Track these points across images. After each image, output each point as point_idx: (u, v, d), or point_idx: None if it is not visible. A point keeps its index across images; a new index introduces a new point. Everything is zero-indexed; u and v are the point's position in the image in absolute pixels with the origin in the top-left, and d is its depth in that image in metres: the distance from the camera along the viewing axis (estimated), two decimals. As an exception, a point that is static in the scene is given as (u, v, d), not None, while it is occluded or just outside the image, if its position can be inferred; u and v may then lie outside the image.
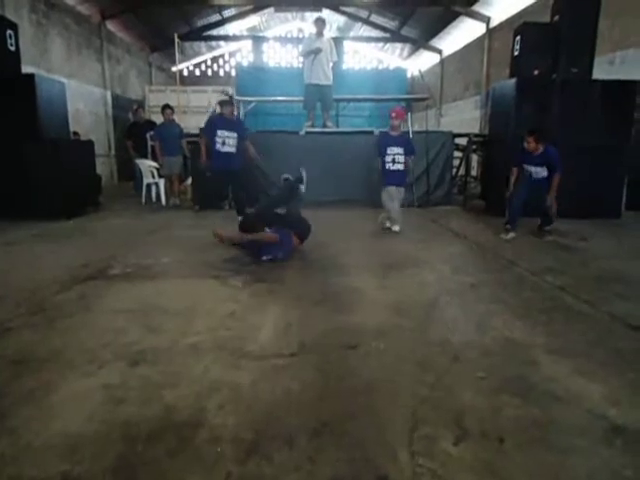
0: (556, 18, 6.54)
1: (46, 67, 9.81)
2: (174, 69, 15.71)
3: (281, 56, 22.12)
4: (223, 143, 5.89)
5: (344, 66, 16.73)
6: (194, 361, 2.21)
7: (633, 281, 3.60)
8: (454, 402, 1.87)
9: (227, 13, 17.36)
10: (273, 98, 9.97)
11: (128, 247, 4.70)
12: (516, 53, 6.72)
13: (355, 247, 4.83)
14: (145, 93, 13.60)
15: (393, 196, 5.59)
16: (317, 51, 7.52)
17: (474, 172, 10.03)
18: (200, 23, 17.11)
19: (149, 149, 8.70)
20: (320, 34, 7.67)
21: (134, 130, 9.20)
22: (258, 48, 19.43)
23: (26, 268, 3.93)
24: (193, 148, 7.84)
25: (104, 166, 12.11)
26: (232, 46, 21.22)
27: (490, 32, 13.31)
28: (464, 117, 14.81)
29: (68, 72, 10.78)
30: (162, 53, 16.99)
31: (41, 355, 2.27)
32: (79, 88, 11.30)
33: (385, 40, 19.41)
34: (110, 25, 13.14)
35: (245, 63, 20.27)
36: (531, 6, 10.93)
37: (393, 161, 5.62)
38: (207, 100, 12.69)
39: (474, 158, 9.52)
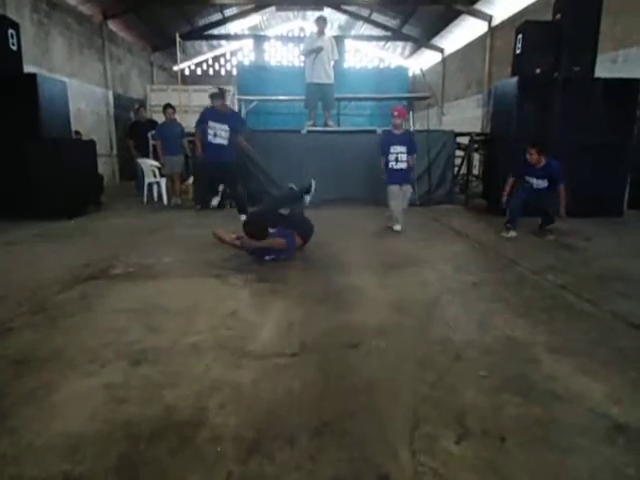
0: (558, 16, 6.52)
1: (48, 67, 9.82)
2: (175, 68, 15.70)
3: (282, 55, 22.11)
4: (215, 135, 5.84)
5: (345, 65, 16.68)
6: (195, 360, 2.21)
7: (635, 280, 3.59)
8: (455, 401, 1.87)
9: (228, 12, 17.35)
10: (274, 97, 9.97)
11: (130, 246, 4.70)
12: (518, 52, 6.69)
13: (357, 246, 4.82)
14: (147, 92, 13.59)
15: (396, 195, 5.58)
16: (318, 50, 7.52)
17: (476, 171, 10.01)
18: (201, 22, 17.10)
19: (151, 148, 8.71)
20: (321, 33, 7.66)
21: (136, 129, 9.21)
22: (259, 47, 19.42)
23: (27, 268, 3.94)
24: (192, 147, 7.85)
25: (106, 166, 12.13)
26: (233, 45, 21.22)
27: (492, 31, 13.29)
28: (466, 116, 14.79)
29: (70, 72, 10.79)
30: (163, 52, 17.00)
31: (42, 355, 2.27)
32: (81, 88, 11.31)
33: (386, 39, 19.39)
34: (112, 25, 13.15)
35: (246, 62, 20.25)
36: (533, 4, 10.91)
37: (396, 160, 5.62)
38: (208, 99, 12.67)
39: (476, 157, 9.50)
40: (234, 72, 18.61)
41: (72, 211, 6.46)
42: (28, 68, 6.99)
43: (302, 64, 8.92)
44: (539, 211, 5.39)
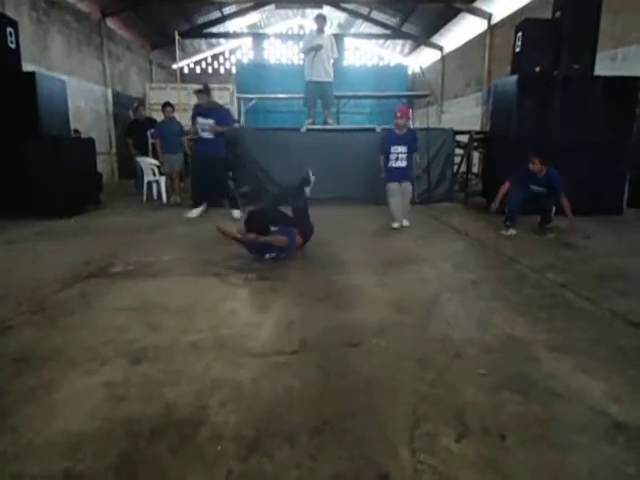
0: (558, 14, 6.51)
1: (46, 65, 9.80)
2: (175, 66, 15.68)
3: (282, 53, 22.06)
4: (202, 130, 6.06)
5: (345, 63, 16.68)
6: (195, 359, 2.21)
7: (634, 278, 3.59)
8: (455, 399, 1.87)
9: (227, 10, 17.30)
10: (274, 95, 9.97)
11: (129, 245, 4.70)
12: (517, 50, 6.69)
13: (356, 244, 4.82)
14: (146, 91, 13.56)
15: (395, 192, 5.58)
16: (318, 48, 7.50)
17: (475, 169, 10.01)
18: (200, 20, 17.07)
19: (150, 147, 8.70)
20: (321, 31, 7.65)
21: (135, 128, 9.19)
22: (259, 45, 19.38)
23: (28, 266, 3.94)
24: (191, 145, 7.87)
25: (105, 164, 12.11)
26: (232, 43, 21.16)
27: (491, 29, 13.27)
28: (465, 114, 14.78)
29: (68, 70, 10.77)
30: (162, 50, 16.96)
31: (42, 353, 2.27)
32: (80, 86, 11.29)
33: (386, 37, 19.36)
34: (110, 22, 13.11)
35: (246, 60, 20.21)
36: (532, 2, 10.90)
37: (396, 158, 5.62)
38: (208, 97, 12.65)
39: (475, 155, 9.49)
40: (233, 70, 18.58)
41: (72, 210, 6.45)
42: (27, 66, 6.96)
43: (301, 62, 8.91)
44: (538, 209, 5.39)
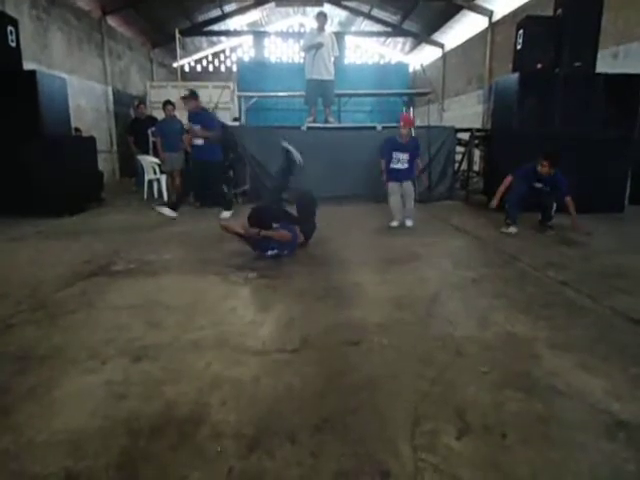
0: (559, 11, 6.49)
1: (47, 63, 9.80)
2: (175, 65, 15.65)
3: (282, 51, 22.04)
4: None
5: (346, 61, 16.65)
6: (196, 357, 2.21)
7: (635, 276, 3.59)
8: (456, 397, 1.87)
9: (228, 8, 17.29)
10: (274, 93, 9.95)
11: (130, 243, 4.70)
12: (519, 47, 6.67)
13: (357, 242, 4.82)
14: (146, 89, 13.53)
15: (395, 191, 5.57)
16: (319, 46, 7.49)
17: (476, 167, 9.99)
18: (201, 18, 17.05)
19: (150, 145, 8.69)
20: (321, 29, 7.63)
21: (135, 126, 9.19)
22: (259, 43, 19.35)
23: (29, 264, 3.94)
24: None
25: (106, 162, 12.11)
26: (233, 41, 21.13)
27: (493, 26, 13.24)
28: (466, 112, 14.76)
29: (69, 68, 10.76)
30: (163, 49, 16.95)
31: (43, 351, 2.27)
32: (80, 84, 11.29)
33: (387, 34, 19.33)
34: (111, 20, 13.10)
35: (246, 58, 20.21)
36: (534, -1, 10.87)
37: (398, 161, 5.62)
38: (208, 96, 12.65)
39: (476, 153, 9.48)
40: (234, 68, 18.54)
41: (73, 208, 6.46)
42: (27, 64, 6.97)
43: (302, 60, 8.90)
44: (539, 206, 5.38)
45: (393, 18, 17.58)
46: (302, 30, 21.20)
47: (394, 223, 5.54)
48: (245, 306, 2.98)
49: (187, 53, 19.34)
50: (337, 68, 8.11)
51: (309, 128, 7.86)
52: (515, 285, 3.35)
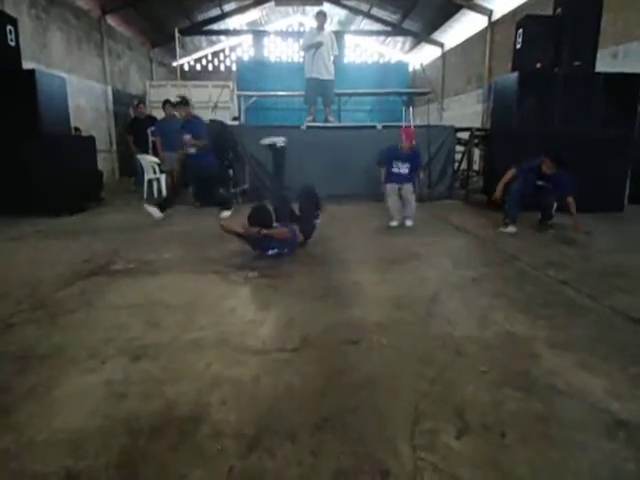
0: (559, 11, 6.49)
1: (46, 62, 9.79)
2: (175, 64, 15.66)
3: (282, 50, 22.03)
4: (186, 145, 5.93)
5: (345, 60, 16.65)
6: (196, 356, 2.21)
7: (635, 275, 3.59)
8: (456, 396, 1.87)
9: (227, 7, 17.28)
10: (274, 93, 9.95)
11: (130, 243, 4.70)
12: (518, 46, 6.67)
13: (357, 242, 4.82)
14: (146, 88, 13.54)
15: (394, 192, 5.55)
16: (318, 45, 7.49)
17: (476, 166, 9.99)
18: (200, 17, 17.04)
19: (150, 144, 8.69)
20: (321, 28, 7.63)
21: (135, 126, 9.19)
22: (259, 42, 19.36)
23: (29, 264, 3.94)
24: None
25: (105, 162, 12.11)
26: (233, 41, 21.12)
27: (492, 25, 13.23)
28: (466, 111, 14.75)
29: (68, 67, 10.75)
30: (163, 48, 16.93)
31: (43, 351, 2.27)
32: (80, 83, 11.28)
33: (386, 34, 19.32)
34: (110, 20, 13.09)
35: (246, 58, 20.19)
36: (533, -1, 10.86)
37: (398, 168, 5.60)
38: (208, 95, 12.66)
39: (476, 152, 9.48)
40: (233, 68, 18.53)
41: (73, 207, 6.45)
42: (27, 64, 6.96)
43: (302, 59, 8.90)
44: (538, 206, 5.37)
45: (393, 17, 17.57)
46: (302, 29, 21.19)
47: (393, 223, 5.54)
48: (245, 305, 2.98)
49: (187, 52, 19.33)
50: (337, 67, 8.11)
51: (309, 127, 7.86)
52: (515, 284, 3.35)
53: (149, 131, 8.64)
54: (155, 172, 8.14)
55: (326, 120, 8.15)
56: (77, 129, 8.85)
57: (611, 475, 1.47)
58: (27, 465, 1.48)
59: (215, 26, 17.87)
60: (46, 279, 3.43)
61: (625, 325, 2.64)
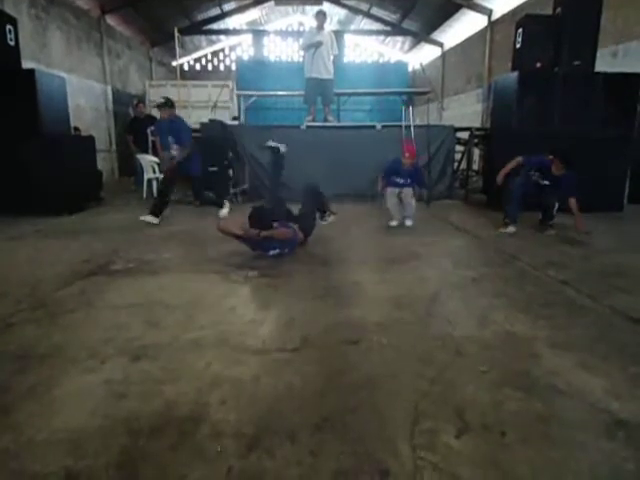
0: (558, 10, 6.49)
1: (46, 62, 9.78)
2: (174, 63, 15.65)
3: (282, 50, 22.01)
4: (169, 148, 5.85)
5: (345, 60, 16.65)
6: (196, 356, 2.21)
7: (635, 275, 3.59)
8: (456, 396, 1.87)
9: (227, 7, 17.27)
10: (273, 92, 9.94)
11: (129, 242, 4.70)
12: (518, 46, 6.67)
13: (356, 242, 4.83)
14: (145, 88, 13.55)
15: (393, 195, 5.54)
16: (318, 44, 7.49)
17: (476, 166, 10.00)
18: (200, 17, 17.03)
19: (150, 144, 8.68)
20: (321, 27, 7.63)
21: (135, 125, 9.18)
22: (258, 42, 19.36)
23: (28, 263, 3.94)
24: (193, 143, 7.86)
25: (105, 161, 12.10)
26: (232, 40, 21.10)
27: (492, 25, 13.23)
28: (466, 111, 14.75)
29: (68, 67, 10.75)
30: (162, 47, 16.92)
31: (43, 350, 2.27)
32: (79, 83, 11.27)
33: (386, 33, 19.31)
34: (110, 19, 13.08)
35: (245, 57, 20.18)
36: (533, -2, 10.85)
37: (397, 180, 5.59)
38: (208, 95, 12.65)
39: (476, 152, 9.48)
40: (233, 67, 18.52)
41: (72, 207, 6.45)
42: (26, 63, 6.96)
43: (301, 59, 8.89)
44: (539, 206, 5.36)
45: (392, 17, 17.56)
46: (301, 29, 21.18)
47: (393, 223, 5.54)
48: (245, 305, 2.98)
49: (186, 52, 19.33)
50: (336, 67, 8.11)
51: (308, 127, 7.86)
52: (515, 284, 3.35)
53: (149, 131, 8.62)
54: (155, 172, 8.12)
55: (325, 120, 8.15)
56: (77, 129, 8.84)
57: (611, 475, 1.47)
58: (27, 465, 1.48)
59: (215, 25, 17.86)
60: (46, 279, 3.43)
61: (625, 325, 2.64)
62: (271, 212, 4.20)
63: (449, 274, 3.63)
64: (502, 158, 6.41)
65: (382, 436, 1.62)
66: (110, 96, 13.11)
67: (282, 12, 20.96)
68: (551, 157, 5.02)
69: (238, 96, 10.54)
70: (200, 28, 17.45)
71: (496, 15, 12.99)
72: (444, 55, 17.11)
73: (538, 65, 6.52)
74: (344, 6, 17.99)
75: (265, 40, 20.61)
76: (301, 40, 8.55)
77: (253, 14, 19.55)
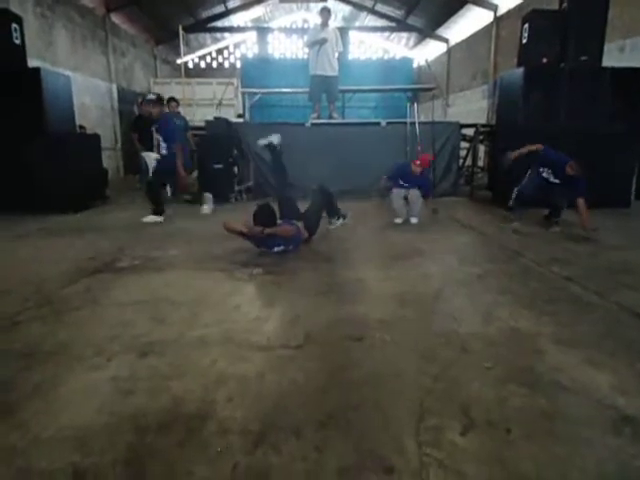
0: (565, 5, 6.44)
1: (51, 60, 9.83)
2: (179, 61, 15.67)
3: (286, 47, 21.99)
4: (158, 145, 5.76)
5: (350, 56, 16.61)
6: (202, 353, 2.21)
7: (642, 271, 3.56)
8: (460, 392, 1.87)
9: (231, 4, 17.28)
10: (278, 90, 9.93)
11: (135, 240, 4.72)
12: (524, 41, 6.62)
13: (361, 238, 4.82)
14: (150, 86, 13.59)
15: (399, 197, 5.52)
16: (322, 41, 7.47)
17: (481, 163, 9.95)
18: (204, 15, 17.04)
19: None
20: (325, 24, 7.61)
21: (139, 123, 9.18)
22: (263, 39, 19.35)
23: (34, 261, 3.96)
24: (197, 140, 7.88)
25: (110, 160, 12.15)
26: (237, 37, 21.12)
27: (498, 20, 13.15)
28: (471, 107, 14.69)
29: (73, 65, 10.79)
30: (167, 45, 16.95)
31: (49, 348, 2.28)
32: (85, 81, 11.32)
33: (391, 29, 19.25)
34: (115, 17, 13.12)
35: (250, 54, 20.18)
36: (539, -7, 10.77)
37: (403, 185, 5.56)
38: (212, 92, 12.67)
39: (481, 149, 9.44)
40: (238, 65, 18.53)
41: (77, 205, 6.48)
42: (32, 62, 6.99)
43: (306, 56, 8.88)
44: (546, 203, 5.33)
45: (397, 13, 17.50)
46: (306, 26, 21.15)
47: (398, 220, 5.53)
48: (250, 302, 2.99)
49: (191, 50, 19.34)
50: (341, 64, 8.09)
51: (313, 124, 7.85)
52: (520, 281, 3.34)
53: (153, 129, 8.64)
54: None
55: (330, 117, 8.13)
56: (82, 127, 8.89)
57: (617, 471, 1.46)
58: (33, 462, 1.49)
59: (219, 23, 17.88)
60: (51, 276, 3.45)
61: (632, 321, 2.62)
62: (275, 211, 4.20)
63: (454, 271, 3.62)
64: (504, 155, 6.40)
65: (387, 433, 1.62)
66: (115, 94, 13.15)
67: (286, 9, 20.94)
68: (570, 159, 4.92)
69: (243, 94, 10.54)
70: (204, 26, 17.46)
71: (502, 10, 12.91)
72: (449, 51, 17.02)
73: (544, 60, 6.47)
74: (348, 3, 17.95)
75: (269, 37, 20.60)
76: (305, 37, 8.54)
77: (257, 11, 19.54)
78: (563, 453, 1.52)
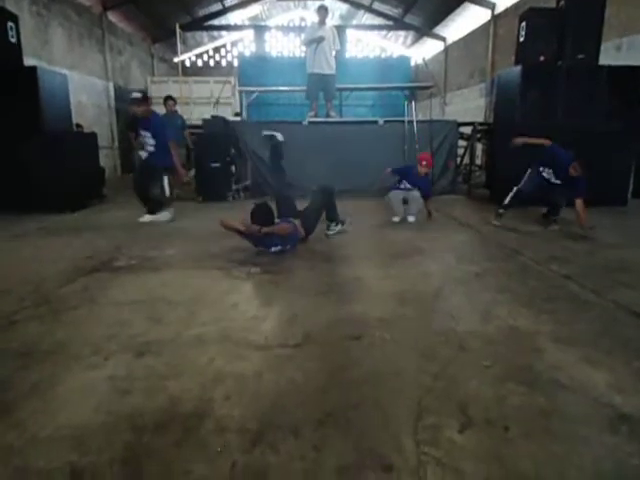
0: (562, 3, 6.44)
1: (48, 59, 9.79)
2: (176, 60, 15.64)
3: (283, 45, 21.95)
4: (145, 143, 5.70)
5: (347, 55, 16.58)
6: (199, 352, 2.21)
7: (639, 270, 3.57)
8: (459, 391, 1.87)
9: (228, 2, 17.25)
10: (275, 88, 9.92)
11: (132, 239, 4.71)
12: (521, 39, 6.63)
13: (359, 237, 4.82)
14: (147, 84, 13.54)
15: (397, 197, 5.52)
16: (320, 40, 7.46)
17: (479, 161, 9.96)
18: (201, 13, 17.01)
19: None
20: (322, 22, 7.59)
21: (137, 122, 9.17)
22: (260, 37, 19.27)
23: (31, 261, 3.95)
24: (194, 139, 7.86)
25: (107, 158, 12.12)
26: (234, 36, 21.08)
27: (495, 19, 13.16)
28: (469, 105, 14.70)
29: (70, 64, 10.75)
30: (164, 44, 16.91)
31: (46, 347, 2.27)
32: (81, 80, 11.28)
33: (388, 28, 19.26)
34: (111, 16, 13.08)
35: (247, 53, 20.13)
36: (536, -9, 10.78)
37: (404, 185, 5.58)
38: (210, 91, 12.64)
39: (479, 147, 9.45)
40: (235, 63, 18.50)
41: (75, 204, 6.46)
42: (28, 60, 6.97)
43: (303, 54, 8.87)
44: (545, 202, 5.33)
45: (394, 11, 17.49)
46: (303, 24, 21.11)
47: (396, 218, 5.53)
48: (247, 301, 2.98)
49: (188, 48, 19.30)
50: (338, 62, 8.08)
51: (311, 123, 7.84)
52: (518, 279, 3.34)
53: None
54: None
55: (327, 115, 8.12)
56: (79, 126, 8.85)
57: (614, 469, 1.46)
58: (31, 461, 1.48)
59: (216, 21, 17.84)
60: (49, 276, 3.44)
61: (629, 320, 2.63)
62: (273, 210, 4.19)
63: (452, 269, 3.62)
64: (505, 153, 6.41)
65: (385, 431, 1.62)
66: (112, 93, 13.12)
67: (283, 7, 20.91)
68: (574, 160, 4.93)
69: (240, 92, 10.54)
70: (201, 24, 17.42)
71: (499, 9, 12.92)
72: (447, 49, 17.03)
73: (542, 59, 6.47)
74: (346, 1, 17.92)
75: (267, 35, 20.53)
76: (303, 35, 8.52)
77: (254, 9, 19.51)
78: (561, 451, 1.52)
